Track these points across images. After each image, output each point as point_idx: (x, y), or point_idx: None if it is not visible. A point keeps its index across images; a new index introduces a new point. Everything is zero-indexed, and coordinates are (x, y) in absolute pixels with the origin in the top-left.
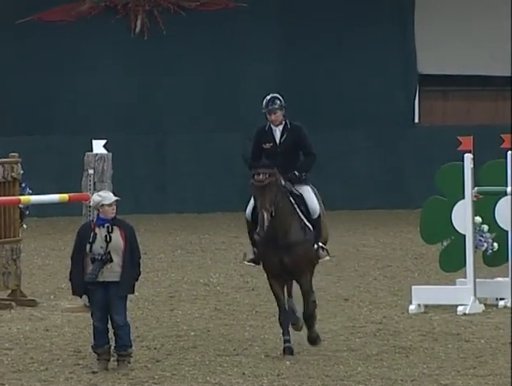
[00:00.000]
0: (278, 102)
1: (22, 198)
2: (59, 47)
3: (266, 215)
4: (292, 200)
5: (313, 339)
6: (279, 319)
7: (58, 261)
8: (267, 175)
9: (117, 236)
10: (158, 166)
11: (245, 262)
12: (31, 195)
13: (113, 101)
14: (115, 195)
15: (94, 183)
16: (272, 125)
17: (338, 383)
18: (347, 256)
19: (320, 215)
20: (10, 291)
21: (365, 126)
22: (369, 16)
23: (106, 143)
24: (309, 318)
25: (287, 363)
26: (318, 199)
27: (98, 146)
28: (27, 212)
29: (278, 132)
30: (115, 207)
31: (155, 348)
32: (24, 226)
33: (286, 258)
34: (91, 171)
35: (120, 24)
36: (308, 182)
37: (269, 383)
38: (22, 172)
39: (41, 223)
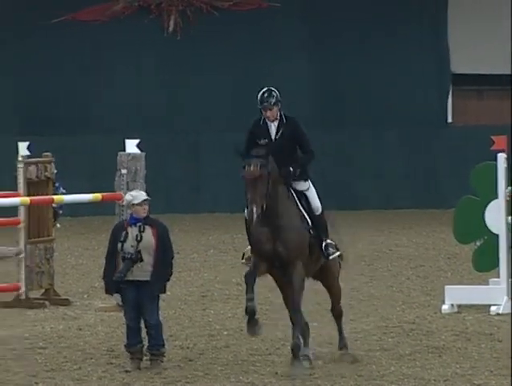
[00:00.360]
0: (274, 97)
1: (55, 197)
2: (92, 47)
3: (255, 209)
4: (292, 191)
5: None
6: (245, 278)
7: (91, 261)
8: (259, 167)
9: (148, 236)
10: (191, 165)
11: (243, 261)
12: (65, 194)
13: (146, 101)
14: (148, 195)
15: (127, 183)
16: (267, 120)
17: (371, 382)
18: (380, 256)
19: (322, 212)
20: (43, 290)
21: (399, 126)
22: (401, 15)
23: (139, 143)
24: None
25: (320, 362)
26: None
27: (131, 146)
28: (61, 212)
29: (273, 127)
30: (147, 207)
31: (188, 347)
32: (58, 225)
33: (277, 242)
34: (124, 171)
35: (153, 24)
36: (307, 178)
37: (301, 383)
38: (55, 171)
39: (74, 223)
